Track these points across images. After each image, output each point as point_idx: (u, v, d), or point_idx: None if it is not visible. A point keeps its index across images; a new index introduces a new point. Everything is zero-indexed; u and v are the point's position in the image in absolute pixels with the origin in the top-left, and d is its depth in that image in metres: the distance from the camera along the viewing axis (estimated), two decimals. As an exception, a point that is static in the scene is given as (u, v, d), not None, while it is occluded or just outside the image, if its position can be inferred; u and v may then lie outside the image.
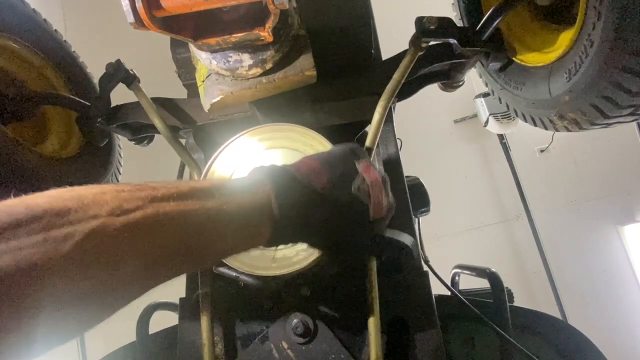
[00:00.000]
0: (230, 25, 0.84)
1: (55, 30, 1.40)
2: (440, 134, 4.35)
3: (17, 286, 0.36)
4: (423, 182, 1.18)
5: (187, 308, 0.98)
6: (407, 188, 1.05)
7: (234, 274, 0.89)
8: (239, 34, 0.82)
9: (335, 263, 0.88)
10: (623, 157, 3.95)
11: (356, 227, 0.68)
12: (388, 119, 1.11)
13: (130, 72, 1.18)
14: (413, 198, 1.07)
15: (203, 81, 0.98)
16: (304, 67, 0.94)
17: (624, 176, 3.95)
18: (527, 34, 1.17)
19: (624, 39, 0.80)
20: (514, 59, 1.15)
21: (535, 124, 1.19)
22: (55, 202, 0.42)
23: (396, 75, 0.98)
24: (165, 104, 1.19)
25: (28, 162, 1.10)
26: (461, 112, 4.27)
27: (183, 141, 1.16)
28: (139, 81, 1.19)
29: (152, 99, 1.16)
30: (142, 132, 1.31)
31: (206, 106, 0.98)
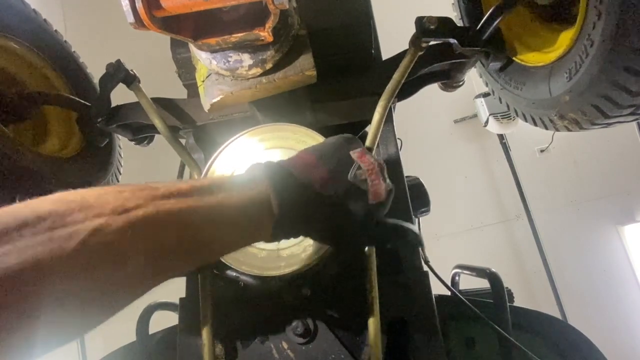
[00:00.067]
0: (230, 25, 0.84)
1: (56, 31, 1.40)
2: (440, 134, 4.35)
3: (22, 285, 0.37)
4: (423, 182, 1.18)
5: (187, 308, 0.98)
6: (407, 188, 1.05)
7: (234, 274, 0.89)
8: (239, 34, 0.82)
9: (339, 257, 0.88)
10: (623, 157, 3.95)
11: (356, 213, 0.67)
12: (388, 119, 1.11)
13: (131, 72, 1.18)
14: (413, 198, 1.07)
15: (203, 81, 0.98)
16: (304, 67, 0.94)
17: (624, 176, 3.95)
18: (528, 33, 1.17)
19: (625, 39, 0.80)
20: (514, 58, 1.15)
21: (535, 124, 1.19)
22: (59, 203, 0.43)
23: (396, 75, 0.98)
24: (165, 104, 1.19)
25: (28, 163, 1.10)
26: (461, 112, 4.27)
27: (183, 141, 1.16)
28: (139, 81, 1.19)
29: (152, 99, 1.16)
30: (142, 132, 1.31)
31: (206, 106, 0.98)
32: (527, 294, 3.89)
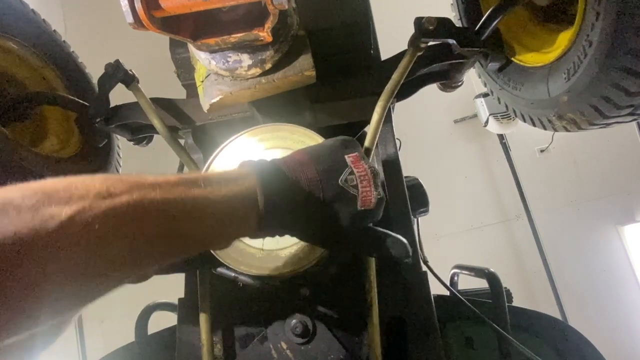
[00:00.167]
0: (230, 25, 0.84)
1: (54, 31, 1.40)
2: (440, 134, 4.35)
3: (3, 262, 0.37)
4: (422, 183, 1.18)
5: (186, 308, 0.98)
6: (406, 188, 1.05)
7: (233, 274, 0.89)
8: (238, 34, 0.83)
9: (338, 258, 0.88)
10: (623, 157, 3.95)
11: (343, 218, 0.67)
12: (387, 119, 1.11)
13: (129, 72, 1.18)
14: (412, 198, 1.07)
15: (202, 81, 0.98)
16: (304, 67, 0.94)
17: (624, 176, 3.95)
18: (526, 34, 1.17)
19: (623, 39, 0.80)
20: (512, 59, 1.15)
21: (534, 124, 1.19)
22: (46, 186, 0.44)
23: (395, 76, 0.98)
24: (164, 104, 1.19)
25: (27, 163, 1.10)
26: (461, 112, 4.27)
27: (182, 141, 1.16)
28: (137, 81, 1.19)
29: (151, 99, 1.16)
30: (141, 133, 1.31)
31: (205, 106, 0.98)
32: (527, 294, 3.89)
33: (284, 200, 0.63)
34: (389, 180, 1.04)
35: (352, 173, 0.68)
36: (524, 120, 1.23)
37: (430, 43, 1.06)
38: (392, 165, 1.07)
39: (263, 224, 0.63)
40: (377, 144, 0.97)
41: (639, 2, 0.78)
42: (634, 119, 0.97)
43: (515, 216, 4.11)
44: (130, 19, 0.71)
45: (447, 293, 1.13)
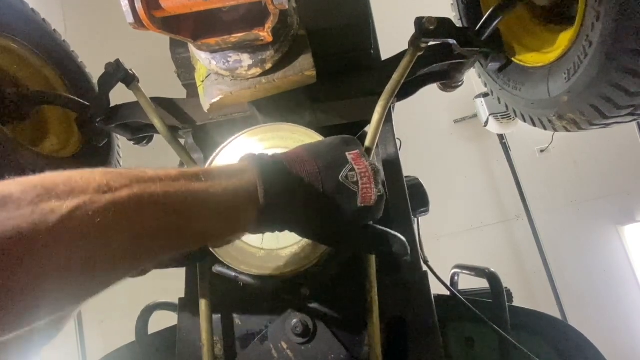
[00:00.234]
0: (230, 25, 0.84)
1: (54, 30, 1.40)
2: (440, 134, 4.35)
3: (3, 256, 0.37)
4: (422, 182, 1.18)
5: (187, 308, 0.98)
6: (406, 188, 1.05)
7: (233, 274, 0.89)
8: (239, 34, 0.82)
9: (338, 257, 0.88)
10: (623, 157, 3.95)
11: (342, 214, 0.67)
12: (387, 119, 1.11)
13: (130, 72, 1.18)
14: (412, 198, 1.07)
15: (202, 81, 0.98)
16: (304, 67, 0.94)
17: (624, 176, 3.95)
18: (526, 34, 1.17)
19: (623, 40, 0.80)
20: (513, 59, 1.15)
21: (534, 124, 1.19)
22: (45, 180, 0.43)
23: (396, 76, 0.98)
24: (164, 104, 1.19)
25: (27, 162, 1.10)
26: (461, 112, 4.27)
27: (182, 141, 1.16)
28: (138, 81, 1.19)
29: (151, 99, 1.16)
30: (141, 132, 1.31)
31: (206, 106, 0.98)
32: (527, 294, 3.89)
33: (284, 195, 0.63)
34: (390, 180, 1.04)
35: (352, 170, 0.68)
36: (524, 121, 1.23)
37: (431, 43, 1.06)
38: (392, 165, 1.07)
39: (263, 219, 0.63)
40: (377, 143, 0.97)
41: (639, 3, 0.78)
42: (634, 119, 0.97)
43: (515, 216, 4.11)
44: (130, 18, 0.71)
45: (448, 293, 1.13)
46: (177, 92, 1.24)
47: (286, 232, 0.70)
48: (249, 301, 0.96)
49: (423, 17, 1.02)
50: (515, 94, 1.18)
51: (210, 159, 0.89)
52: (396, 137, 1.13)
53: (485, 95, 3.78)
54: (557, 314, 3.65)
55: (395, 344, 0.91)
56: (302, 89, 1.00)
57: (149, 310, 1.25)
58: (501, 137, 4.12)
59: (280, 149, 0.88)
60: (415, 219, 1.20)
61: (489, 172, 4.23)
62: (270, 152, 0.88)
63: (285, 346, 0.89)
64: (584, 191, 4.03)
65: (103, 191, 0.45)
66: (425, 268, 1.05)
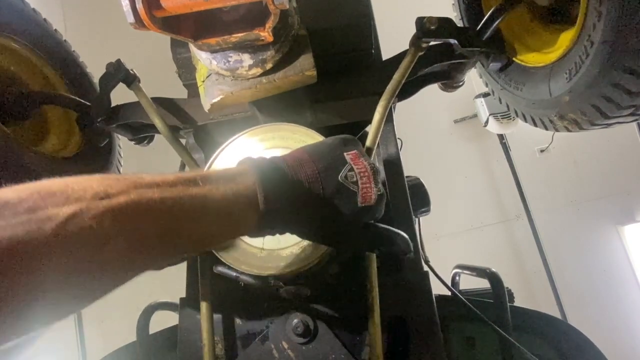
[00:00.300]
0: (230, 25, 0.84)
1: (55, 30, 1.40)
2: (440, 134, 4.35)
3: (1, 264, 0.37)
4: (423, 182, 1.18)
5: (188, 308, 0.98)
6: (407, 188, 1.05)
7: (234, 274, 0.89)
8: (239, 34, 0.82)
9: (339, 257, 0.88)
10: (623, 157, 3.95)
11: (343, 214, 0.67)
12: (388, 119, 1.11)
13: (131, 72, 1.18)
14: (413, 198, 1.07)
15: (203, 81, 0.98)
16: (304, 67, 0.94)
17: (624, 176, 3.95)
18: (528, 34, 1.17)
19: (625, 40, 0.80)
20: (514, 59, 1.15)
21: (535, 124, 1.19)
22: (42, 188, 0.43)
23: (396, 76, 0.98)
24: (165, 104, 1.19)
25: (28, 162, 1.10)
26: (461, 112, 4.27)
27: (183, 141, 1.16)
28: (139, 81, 1.19)
29: (152, 99, 1.16)
30: (142, 132, 1.31)
31: (206, 106, 0.98)
32: (527, 294, 3.90)
33: (283, 198, 0.63)
34: (391, 180, 1.04)
35: (351, 170, 0.68)
36: (525, 121, 1.23)
37: (432, 43, 1.06)
38: (393, 165, 1.07)
39: (263, 222, 0.63)
40: (378, 143, 0.97)
41: (641, 2, 0.78)
42: (636, 119, 0.97)
43: (515, 216, 4.12)
44: (131, 18, 0.71)
45: (448, 293, 1.13)
46: (178, 92, 1.24)
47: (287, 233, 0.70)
48: (250, 301, 0.96)
49: (424, 17, 1.02)
50: (516, 94, 1.18)
51: (211, 159, 0.89)
52: (397, 137, 1.13)
53: (485, 95, 3.78)
54: (557, 314, 3.65)
55: (396, 344, 0.91)
56: (303, 89, 1.00)
57: (150, 310, 1.25)
58: (501, 137, 4.12)
59: (280, 149, 0.88)
60: (417, 219, 1.20)
61: (489, 172, 4.24)
62: (270, 152, 0.88)
63: (286, 346, 0.89)
64: (584, 191, 4.03)
65: (100, 197, 0.45)
66: (426, 268, 1.05)
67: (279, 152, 0.88)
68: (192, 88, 1.21)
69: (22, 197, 0.41)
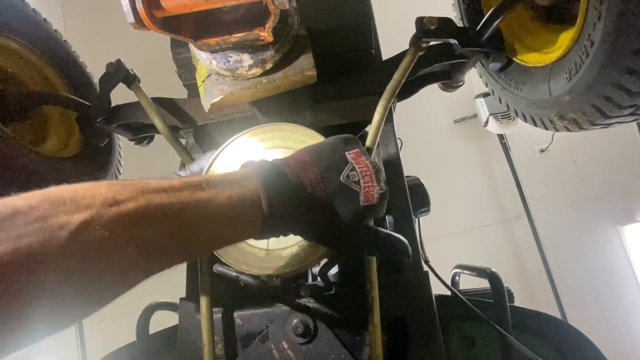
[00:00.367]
0: (230, 25, 0.84)
1: (55, 30, 1.40)
2: (440, 134, 4.35)
3: (16, 273, 0.37)
4: (423, 182, 1.18)
5: (188, 308, 0.98)
6: (407, 188, 1.05)
7: (234, 273, 0.89)
8: (239, 34, 0.82)
9: (339, 258, 0.88)
10: (623, 157, 3.95)
11: (346, 214, 0.67)
12: (388, 119, 1.11)
13: (131, 72, 1.18)
14: (413, 198, 1.07)
15: (203, 81, 0.98)
16: (304, 67, 0.94)
17: (624, 176, 3.95)
18: (527, 34, 1.17)
19: (624, 39, 0.80)
20: (514, 59, 1.15)
21: (535, 124, 1.19)
22: (52, 195, 0.44)
23: (396, 76, 0.98)
24: (165, 104, 1.19)
25: (28, 162, 1.10)
26: (461, 112, 4.27)
27: (183, 141, 1.16)
28: (139, 81, 1.19)
29: (152, 99, 1.16)
30: (142, 132, 1.31)
31: (206, 106, 0.98)
32: (527, 294, 3.89)
33: (287, 203, 0.63)
34: (390, 180, 1.04)
35: (353, 169, 0.68)
36: (525, 120, 1.23)
37: (432, 43, 1.06)
38: (393, 165, 1.07)
39: (267, 226, 0.63)
40: (378, 143, 0.97)
41: (641, 2, 0.78)
42: (636, 119, 0.97)
43: (515, 216, 4.12)
44: (131, 18, 0.71)
45: (448, 293, 1.13)
46: (178, 92, 1.24)
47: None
48: (250, 301, 0.96)
49: (424, 17, 1.02)
50: (516, 94, 1.18)
51: (211, 159, 0.89)
52: (397, 137, 1.13)
53: (485, 95, 3.78)
54: (557, 314, 3.65)
55: (396, 344, 0.91)
56: (303, 89, 1.00)
57: (149, 310, 1.25)
58: (501, 137, 4.12)
59: (280, 149, 0.88)
60: (416, 219, 1.20)
61: (489, 172, 4.23)
62: (270, 152, 0.88)
63: (286, 346, 0.89)
64: (584, 191, 4.03)
65: (109, 204, 0.45)
66: (426, 268, 1.04)
67: (279, 152, 0.88)
68: (192, 88, 1.21)
69: (32, 205, 0.41)
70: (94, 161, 1.41)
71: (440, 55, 1.13)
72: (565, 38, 1.02)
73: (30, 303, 0.39)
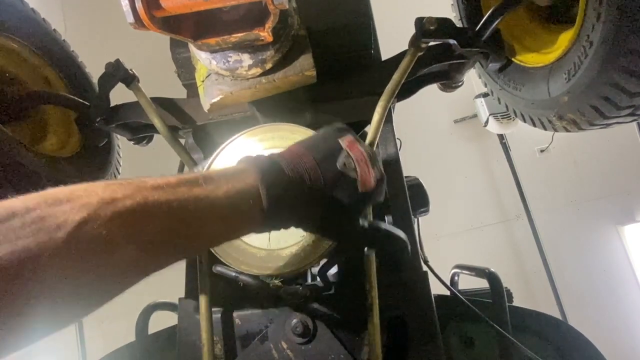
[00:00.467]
0: (230, 25, 0.84)
1: (54, 30, 1.40)
2: (440, 134, 4.35)
3: (15, 274, 0.37)
4: (422, 182, 1.18)
5: (187, 308, 0.98)
6: (406, 188, 1.05)
7: (234, 273, 0.89)
8: (239, 34, 0.82)
9: (339, 257, 0.88)
10: (623, 157, 3.95)
11: (344, 202, 0.68)
12: (388, 119, 1.11)
13: (130, 71, 1.18)
14: (412, 198, 1.07)
15: (203, 81, 0.98)
16: (304, 67, 0.94)
17: (624, 176, 3.95)
18: (527, 34, 1.17)
19: (623, 40, 0.80)
20: (513, 59, 1.15)
21: (534, 125, 1.19)
22: (48, 196, 0.44)
23: (396, 76, 0.98)
24: (164, 104, 1.19)
25: (27, 162, 1.10)
26: (461, 112, 4.27)
27: (182, 141, 1.16)
28: (138, 81, 1.19)
29: (151, 98, 1.16)
30: (141, 132, 1.31)
31: (206, 106, 0.98)
32: (527, 294, 3.89)
33: (286, 193, 0.63)
34: (390, 181, 1.04)
35: (348, 156, 0.68)
36: (524, 121, 1.23)
37: (431, 43, 1.06)
38: (392, 165, 1.07)
39: (267, 220, 0.63)
40: (377, 143, 0.97)
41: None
42: (634, 120, 0.97)
43: (515, 216, 4.11)
44: (131, 18, 0.71)
45: (448, 293, 1.13)
46: (177, 92, 1.24)
47: (287, 232, 0.70)
48: (249, 301, 0.96)
49: (423, 18, 1.02)
50: (515, 94, 1.18)
51: (211, 159, 0.89)
52: (396, 137, 1.13)
53: (485, 95, 3.78)
54: (557, 314, 3.65)
55: (396, 343, 0.91)
56: (302, 89, 1.00)
57: (149, 310, 1.25)
58: (501, 137, 4.12)
59: (280, 149, 0.88)
60: (416, 219, 1.20)
61: (489, 172, 4.23)
62: (269, 153, 0.88)
63: (285, 346, 0.89)
64: (584, 191, 4.03)
65: (106, 203, 0.45)
66: (425, 268, 1.05)
67: (276, 152, 0.88)
68: (191, 88, 1.21)
69: (29, 207, 0.41)
70: (93, 161, 1.41)
71: (439, 55, 1.13)
72: (564, 39, 1.02)
73: (29, 303, 0.39)
